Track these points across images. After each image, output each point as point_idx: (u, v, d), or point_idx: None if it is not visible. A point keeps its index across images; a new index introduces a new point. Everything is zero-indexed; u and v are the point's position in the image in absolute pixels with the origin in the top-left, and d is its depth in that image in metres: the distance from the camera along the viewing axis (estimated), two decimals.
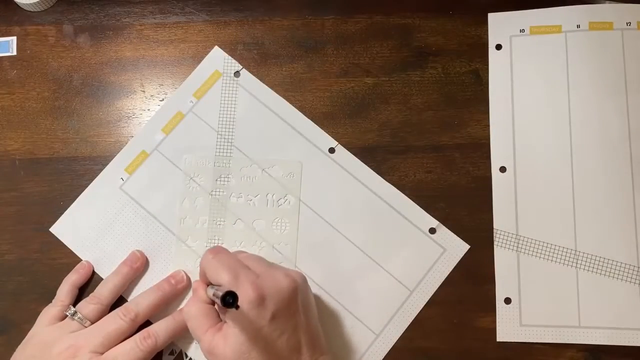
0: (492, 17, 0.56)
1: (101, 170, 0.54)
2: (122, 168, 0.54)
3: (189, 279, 0.51)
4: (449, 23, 0.56)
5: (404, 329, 0.51)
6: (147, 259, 0.52)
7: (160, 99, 0.55)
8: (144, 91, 0.55)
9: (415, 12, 0.56)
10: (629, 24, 0.54)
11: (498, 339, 0.51)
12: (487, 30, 0.56)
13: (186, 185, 0.53)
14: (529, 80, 0.54)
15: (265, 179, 0.53)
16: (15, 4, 0.56)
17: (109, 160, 0.54)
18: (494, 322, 0.51)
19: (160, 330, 0.48)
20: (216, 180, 0.53)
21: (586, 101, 0.53)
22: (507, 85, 0.54)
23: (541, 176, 0.53)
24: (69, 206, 0.53)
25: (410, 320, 0.51)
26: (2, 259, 0.52)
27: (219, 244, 0.52)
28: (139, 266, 0.51)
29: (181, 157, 0.54)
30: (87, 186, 0.53)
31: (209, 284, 0.47)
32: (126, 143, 0.54)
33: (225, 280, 0.43)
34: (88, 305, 0.49)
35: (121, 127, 0.55)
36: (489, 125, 0.54)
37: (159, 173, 0.53)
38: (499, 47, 0.55)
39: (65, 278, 0.51)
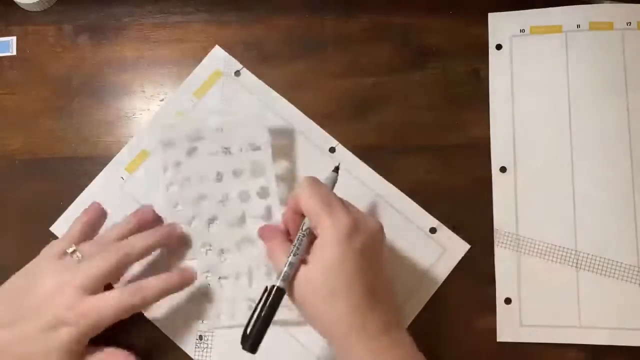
0: (492, 17, 0.56)
1: (101, 170, 0.54)
2: (123, 167, 0.54)
3: (182, 233, 0.51)
4: (449, 23, 0.56)
5: (404, 329, 0.51)
6: (159, 217, 0.52)
7: (160, 99, 0.55)
8: (144, 91, 0.55)
9: (415, 12, 0.56)
10: (629, 24, 0.54)
11: (498, 339, 0.51)
12: (487, 30, 0.56)
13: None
14: (529, 80, 0.54)
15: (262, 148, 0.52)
16: (15, 4, 0.56)
17: (109, 160, 0.54)
18: (494, 322, 0.51)
19: (151, 286, 0.47)
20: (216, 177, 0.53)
21: (586, 101, 0.53)
22: (507, 85, 0.54)
23: (541, 176, 0.53)
24: (68, 206, 0.53)
25: (411, 320, 0.51)
26: (2, 259, 0.52)
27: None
28: (149, 220, 0.51)
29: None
30: (87, 186, 0.53)
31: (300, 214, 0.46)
32: (126, 143, 0.54)
33: (318, 208, 0.43)
34: (89, 248, 0.48)
35: (121, 127, 0.55)
36: (489, 125, 0.54)
37: (159, 172, 0.53)
38: (499, 47, 0.55)
39: (76, 218, 0.50)
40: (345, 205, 0.44)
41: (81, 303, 0.44)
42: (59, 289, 0.45)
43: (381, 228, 0.45)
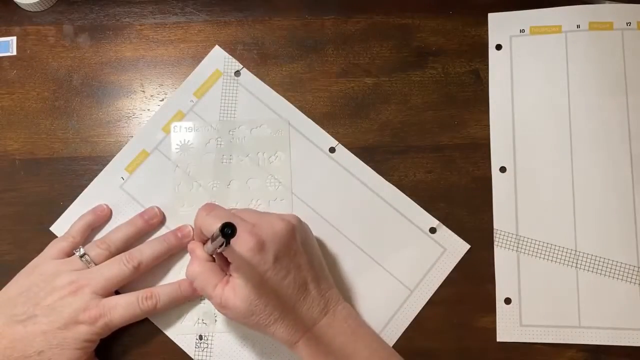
0: (492, 17, 0.56)
1: (101, 170, 0.54)
2: (123, 167, 0.54)
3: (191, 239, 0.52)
4: (449, 23, 0.56)
5: (404, 329, 0.51)
6: (165, 217, 0.52)
7: (160, 99, 0.55)
8: (144, 91, 0.55)
9: (415, 12, 0.56)
10: (629, 24, 0.54)
11: (498, 339, 0.51)
12: (487, 30, 0.56)
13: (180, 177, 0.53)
14: (529, 80, 0.54)
15: (254, 138, 0.54)
16: (15, 4, 0.56)
17: (109, 160, 0.54)
18: (494, 322, 0.51)
19: (163, 294, 0.49)
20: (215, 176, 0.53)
21: (586, 101, 0.53)
22: (507, 85, 0.54)
23: (541, 176, 0.53)
24: (69, 206, 0.53)
25: (410, 320, 0.51)
26: (2, 259, 0.52)
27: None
28: (155, 223, 0.52)
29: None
30: (87, 186, 0.53)
31: (205, 241, 0.48)
32: (126, 143, 0.54)
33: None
34: (96, 249, 0.49)
35: (121, 127, 0.55)
36: (489, 125, 0.54)
37: (159, 172, 0.53)
38: (499, 47, 0.55)
39: (81, 215, 0.52)
40: (247, 222, 0.45)
41: (95, 306, 0.47)
42: (74, 291, 0.47)
43: (287, 226, 0.45)
